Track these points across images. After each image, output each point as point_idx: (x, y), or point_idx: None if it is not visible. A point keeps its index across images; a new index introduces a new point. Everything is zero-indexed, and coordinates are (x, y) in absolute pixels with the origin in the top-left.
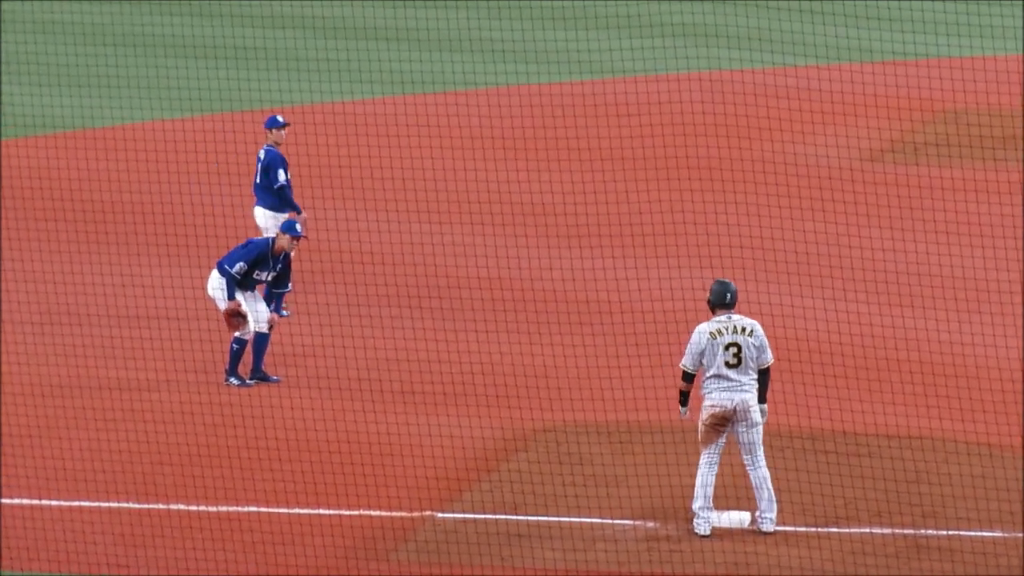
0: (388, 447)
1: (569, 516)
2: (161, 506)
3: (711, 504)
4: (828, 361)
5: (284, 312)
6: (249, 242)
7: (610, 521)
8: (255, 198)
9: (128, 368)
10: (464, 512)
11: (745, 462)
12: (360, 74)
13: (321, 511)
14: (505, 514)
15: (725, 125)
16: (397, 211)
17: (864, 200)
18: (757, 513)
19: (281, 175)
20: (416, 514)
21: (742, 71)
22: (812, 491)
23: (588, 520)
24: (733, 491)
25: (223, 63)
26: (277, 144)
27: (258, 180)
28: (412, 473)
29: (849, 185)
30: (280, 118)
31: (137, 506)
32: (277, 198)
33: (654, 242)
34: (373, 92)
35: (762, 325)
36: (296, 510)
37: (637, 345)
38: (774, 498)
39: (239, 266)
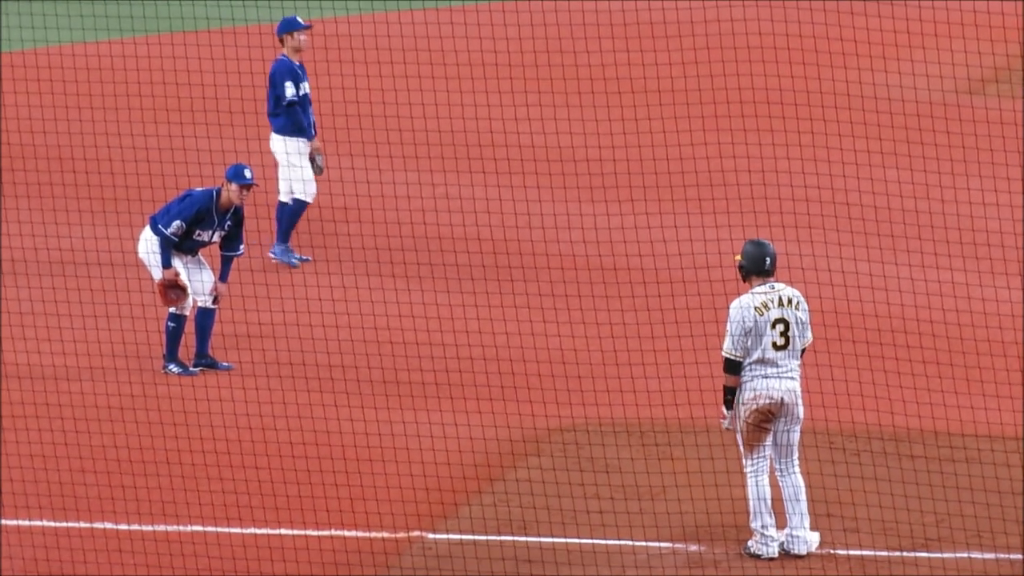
0: (367, 451)
1: (592, 537)
2: (83, 524)
3: (774, 520)
4: (916, 344)
5: (296, 260)
6: (187, 194)
7: (643, 544)
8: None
9: (41, 352)
10: (461, 533)
11: (776, 467)
12: None
13: (283, 531)
14: (512, 535)
15: (787, 49)
16: (377, 156)
17: (961, 143)
18: (787, 531)
19: (289, 88)
20: (402, 535)
21: None
22: (895, 506)
23: (616, 542)
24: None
25: None
26: (296, 51)
27: (270, 101)
28: (396, 484)
29: (942, 124)
30: (299, 19)
31: (53, 524)
32: (288, 118)
33: (699, 195)
34: (347, 10)
35: (835, 299)
36: (251, 530)
37: (677, 323)
38: (807, 512)
39: (175, 225)
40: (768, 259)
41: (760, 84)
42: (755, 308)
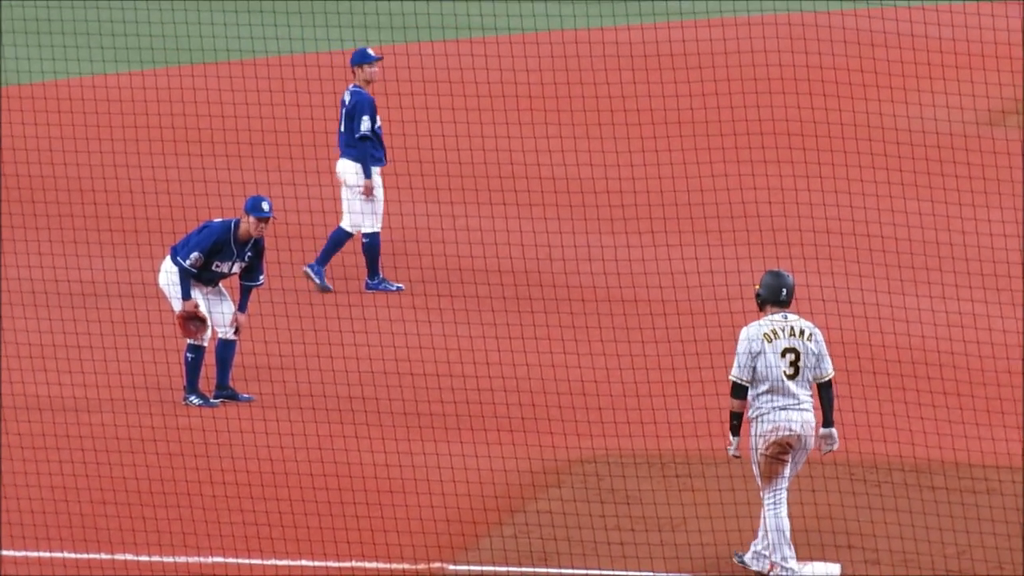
0: (387, 482)
1: (613, 569)
2: (104, 556)
3: (793, 551)
4: (937, 375)
5: (394, 286)
6: (205, 226)
7: (664, 575)
8: (339, 149)
9: (61, 384)
10: (482, 564)
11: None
12: (353, 18)
13: (304, 563)
14: (533, 566)
15: (808, 81)
16: (398, 187)
17: (982, 175)
18: (757, 547)
19: (366, 122)
20: (423, 566)
21: (828, 13)
22: (916, 536)
23: (637, 574)
24: (814, 536)
25: (179, 4)
26: (368, 83)
27: (342, 128)
28: (417, 515)
29: (963, 156)
30: (370, 51)
31: (74, 556)
32: (362, 150)
33: (719, 226)
34: (368, 39)
35: (855, 330)
36: (272, 562)
37: (698, 355)
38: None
39: (194, 256)
40: (785, 290)
41: (781, 115)
42: (764, 334)
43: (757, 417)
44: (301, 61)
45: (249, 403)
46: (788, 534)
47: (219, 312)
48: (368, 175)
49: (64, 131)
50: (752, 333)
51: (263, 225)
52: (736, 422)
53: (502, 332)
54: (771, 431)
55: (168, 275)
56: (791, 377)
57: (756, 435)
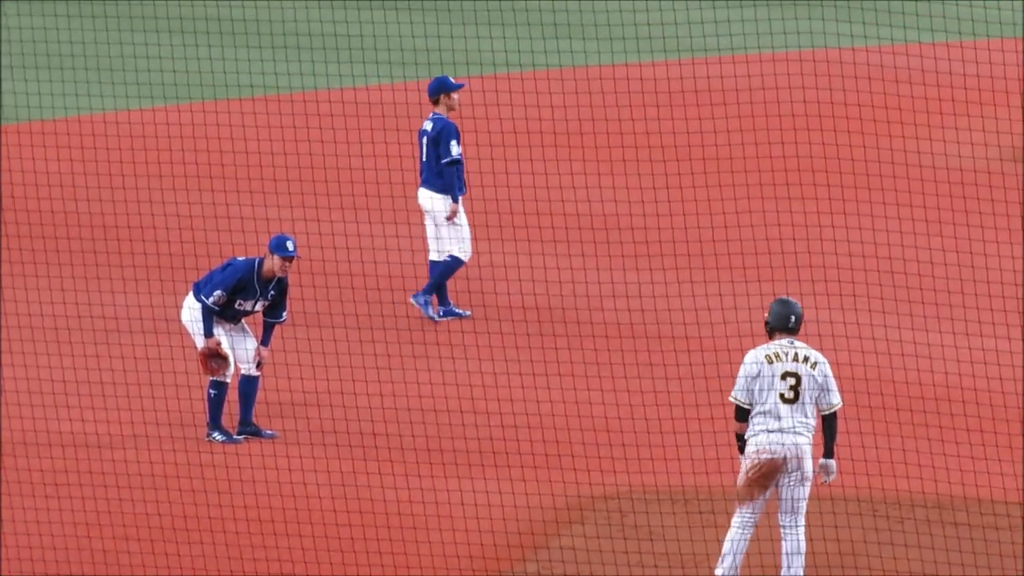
0: (410, 519)
1: None
2: None
3: (739, 574)
4: (960, 412)
5: (463, 312)
6: (229, 264)
7: None
8: (420, 178)
9: (85, 420)
10: None
11: (782, 522)
12: (378, 54)
13: None
14: None
15: (832, 117)
16: (417, 223)
17: (1006, 211)
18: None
19: (454, 148)
20: None
21: (853, 50)
22: (939, 572)
23: None
24: (837, 571)
25: (203, 39)
26: (450, 110)
27: (424, 157)
28: (441, 551)
29: (987, 192)
30: (451, 79)
31: None
32: (448, 178)
33: (743, 263)
34: (392, 75)
35: (879, 367)
36: None
37: (721, 391)
38: (802, 572)
39: (217, 294)
40: (793, 317)
41: (806, 152)
42: (766, 356)
43: (749, 438)
44: (325, 97)
45: (272, 439)
46: (740, 558)
47: (242, 348)
48: (456, 199)
49: (87, 167)
50: (754, 356)
51: (288, 264)
52: (742, 443)
53: (526, 368)
54: (755, 453)
55: (191, 311)
56: (789, 401)
57: (744, 455)
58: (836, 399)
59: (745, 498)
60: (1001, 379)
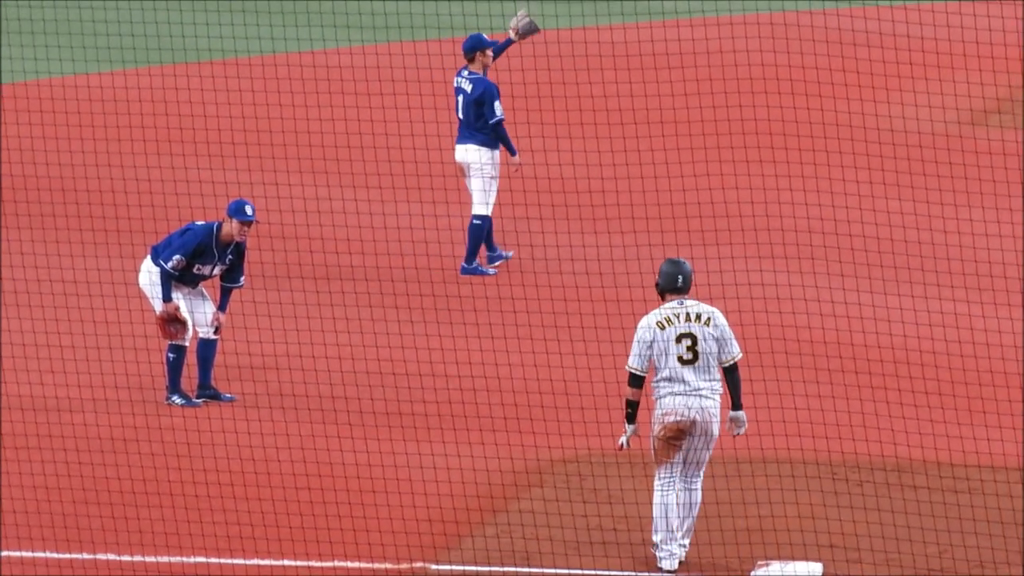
0: (369, 482)
1: (595, 568)
2: (86, 556)
3: (674, 531)
4: (918, 374)
5: (491, 270)
6: (188, 227)
7: (646, 574)
8: (457, 136)
9: (43, 383)
10: (464, 564)
11: (680, 481)
12: (335, 17)
13: (286, 562)
14: (515, 566)
15: (790, 80)
16: (380, 188)
17: (964, 174)
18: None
19: (499, 108)
20: (404, 566)
21: (811, 13)
22: (898, 536)
23: (619, 573)
24: (796, 536)
25: (162, 3)
26: (484, 69)
27: (460, 115)
28: (399, 515)
29: (945, 155)
30: (484, 36)
31: (56, 556)
32: (485, 133)
33: (701, 226)
34: (351, 39)
35: (838, 330)
36: (255, 562)
37: None
38: (691, 528)
39: (176, 259)
40: (681, 277)
41: (763, 115)
42: (657, 322)
43: (656, 401)
44: (284, 61)
45: (231, 403)
46: (674, 519)
47: (200, 312)
48: (513, 152)
49: (46, 131)
50: (645, 323)
51: (246, 229)
52: (631, 410)
53: (484, 332)
54: (663, 416)
55: (149, 275)
56: (689, 363)
57: (653, 419)
58: (735, 350)
59: (663, 459)
60: (960, 342)
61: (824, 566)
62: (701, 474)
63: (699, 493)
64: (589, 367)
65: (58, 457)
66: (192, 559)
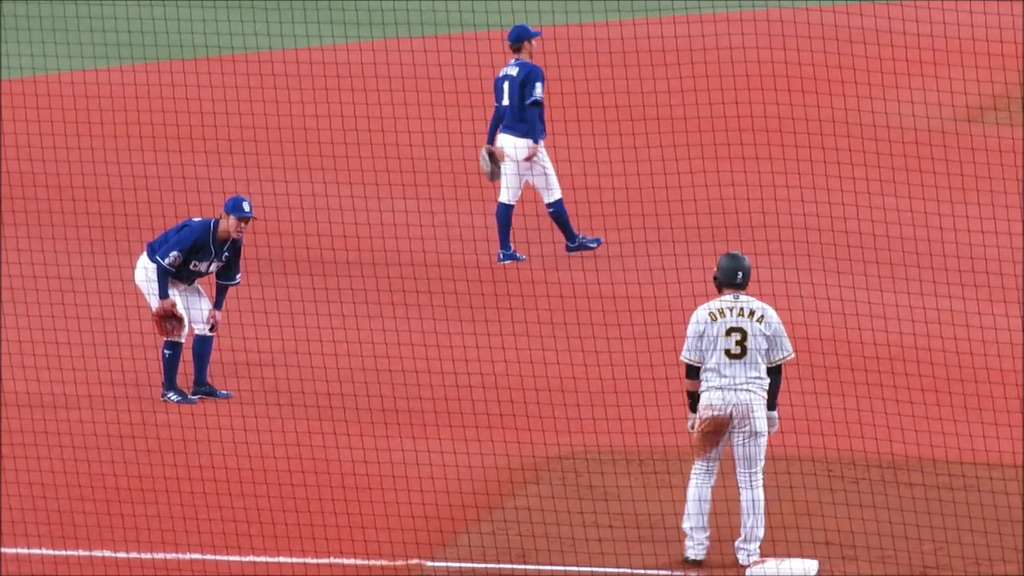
0: (365, 479)
1: (591, 565)
2: (82, 553)
3: (706, 524)
4: (914, 372)
5: (594, 242)
6: (185, 224)
7: (642, 571)
8: (500, 127)
9: (39, 380)
10: (460, 560)
11: (739, 480)
12: (332, 14)
13: (282, 559)
14: (511, 563)
15: (785, 77)
16: (376, 184)
17: (960, 171)
18: (738, 541)
19: (538, 89)
20: (400, 563)
21: (806, 9)
22: (894, 533)
23: (615, 570)
24: (792, 532)
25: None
26: (530, 57)
27: (506, 102)
28: (395, 512)
29: (941, 152)
30: (529, 26)
31: (52, 552)
32: (527, 122)
33: (697, 223)
34: (347, 35)
35: (833, 327)
36: (251, 558)
37: (675, 351)
38: (761, 525)
39: (172, 256)
40: (740, 273)
41: (759, 112)
42: (709, 313)
43: (701, 393)
44: (281, 57)
45: (227, 399)
46: (707, 506)
47: (196, 309)
48: (536, 141)
49: (42, 127)
50: (699, 315)
51: (243, 225)
52: (692, 400)
53: (480, 329)
54: (704, 407)
55: (146, 272)
56: (737, 357)
57: (696, 411)
58: (786, 351)
59: (702, 451)
60: (956, 339)
61: (820, 563)
62: (759, 472)
63: (759, 491)
64: (585, 364)
65: (54, 453)
66: (188, 555)
